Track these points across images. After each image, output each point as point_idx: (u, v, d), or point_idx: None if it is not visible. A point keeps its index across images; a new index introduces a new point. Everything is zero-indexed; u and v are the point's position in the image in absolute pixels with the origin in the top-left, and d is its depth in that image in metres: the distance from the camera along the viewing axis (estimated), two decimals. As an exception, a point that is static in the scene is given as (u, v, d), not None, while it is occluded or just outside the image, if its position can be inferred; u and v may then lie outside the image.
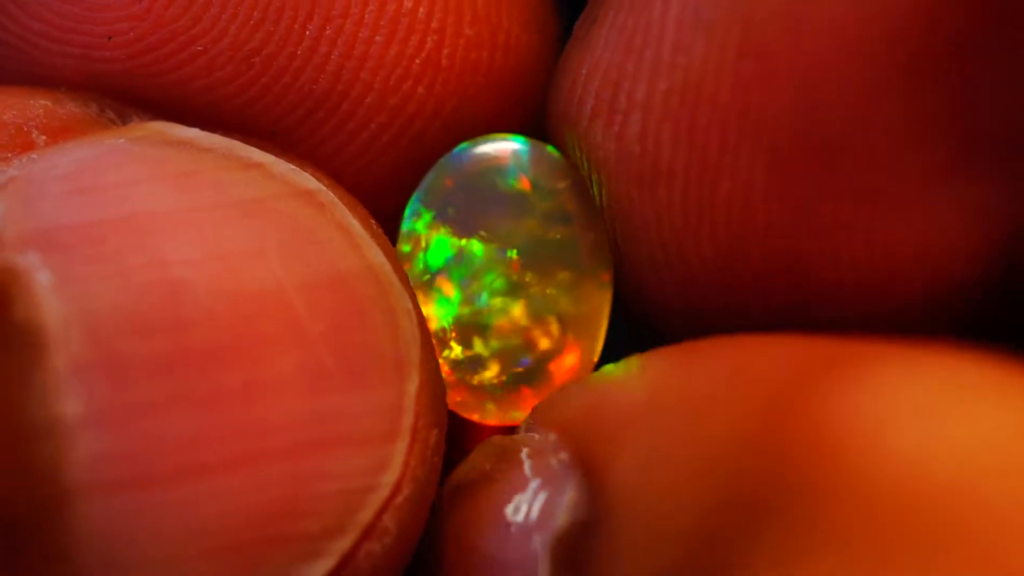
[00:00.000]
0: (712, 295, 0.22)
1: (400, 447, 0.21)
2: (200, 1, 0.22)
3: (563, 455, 0.21)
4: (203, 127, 0.22)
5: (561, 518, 0.21)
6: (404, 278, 0.22)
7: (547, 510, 0.21)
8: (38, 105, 0.22)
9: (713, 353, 0.21)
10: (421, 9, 0.23)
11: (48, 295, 0.19)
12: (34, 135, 0.21)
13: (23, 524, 0.19)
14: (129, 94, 0.23)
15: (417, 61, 0.23)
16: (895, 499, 0.17)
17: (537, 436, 0.22)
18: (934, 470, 0.17)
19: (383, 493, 0.20)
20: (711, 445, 0.19)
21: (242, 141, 0.22)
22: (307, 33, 0.23)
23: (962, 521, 0.17)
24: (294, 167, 0.21)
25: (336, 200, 0.21)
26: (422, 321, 0.22)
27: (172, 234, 0.20)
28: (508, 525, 0.21)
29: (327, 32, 0.23)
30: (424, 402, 0.21)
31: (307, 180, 0.21)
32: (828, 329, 0.21)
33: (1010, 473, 0.17)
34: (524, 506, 0.21)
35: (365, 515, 0.20)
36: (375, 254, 0.21)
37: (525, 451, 0.22)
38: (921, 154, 0.21)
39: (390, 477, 0.20)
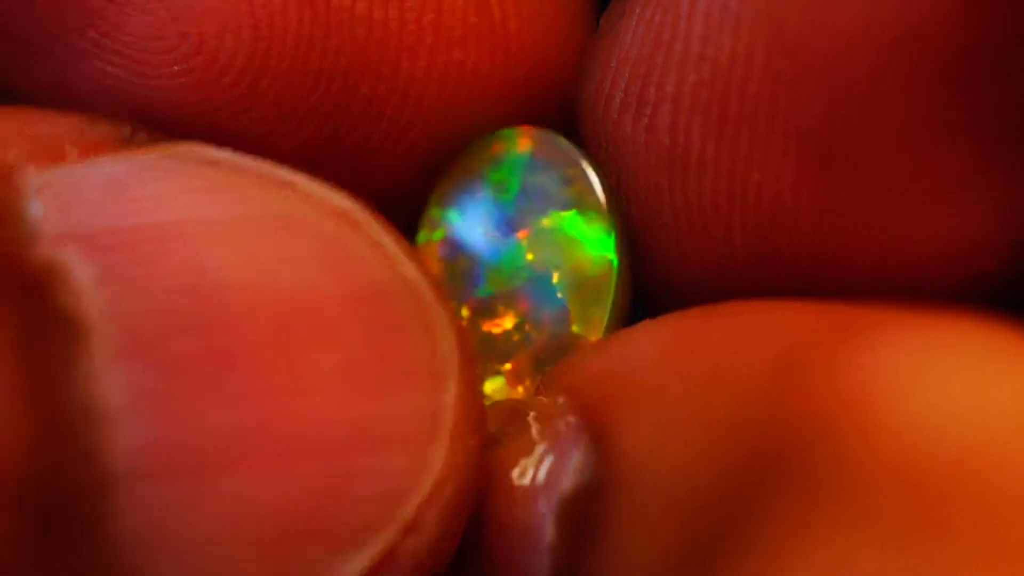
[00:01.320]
0: (740, 289, 0.22)
1: (439, 450, 0.21)
2: (252, 68, 0.23)
3: (571, 418, 0.21)
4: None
5: (567, 481, 0.21)
6: (441, 293, 0.22)
7: (553, 473, 0.21)
8: (71, 122, 0.22)
9: (726, 316, 0.21)
10: (470, 60, 0.24)
11: (87, 287, 0.20)
12: (67, 148, 0.22)
13: (63, 511, 0.19)
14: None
15: (469, 108, 0.24)
16: (910, 465, 0.17)
17: (545, 399, 0.22)
18: (950, 435, 0.17)
19: (423, 492, 0.21)
20: (723, 407, 0.19)
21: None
22: (361, 92, 0.23)
23: (972, 490, 0.17)
24: (327, 188, 0.22)
25: (370, 219, 0.22)
26: (460, 334, 0.22)
27: (210, 242, 0.20)
28: (513, 488, 0.21)
29: (380, 90, 0.23)
30: (462, 411, 0.21)
31: (340, 199, 0.22)
32: None
33: (1016, 440, 0.17)
34: (530, 469, 0.21)
35: (405, 511, 0.21)
36: (410, 270, 0.21)
37: (532, 414, 0.22)
38: (947, 152, 0.21)
39: (429, 477, 0.21)
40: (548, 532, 0.21)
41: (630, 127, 0.23)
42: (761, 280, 0.22)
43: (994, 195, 0.21)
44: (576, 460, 0.21)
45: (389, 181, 0.24)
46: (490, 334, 0.24)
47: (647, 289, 0.24)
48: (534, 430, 0.22)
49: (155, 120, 0.23)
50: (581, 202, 0.24)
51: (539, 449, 0.21)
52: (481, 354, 0.24)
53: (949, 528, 0.17)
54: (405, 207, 0.24)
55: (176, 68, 0.23)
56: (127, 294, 0.20)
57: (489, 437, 0.22)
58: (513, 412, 0.22)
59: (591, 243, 0.24)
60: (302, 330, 0.20)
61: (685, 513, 0.19)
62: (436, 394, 0.21)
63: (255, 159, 0.22)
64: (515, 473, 0.21)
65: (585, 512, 0.21)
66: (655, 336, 0.22)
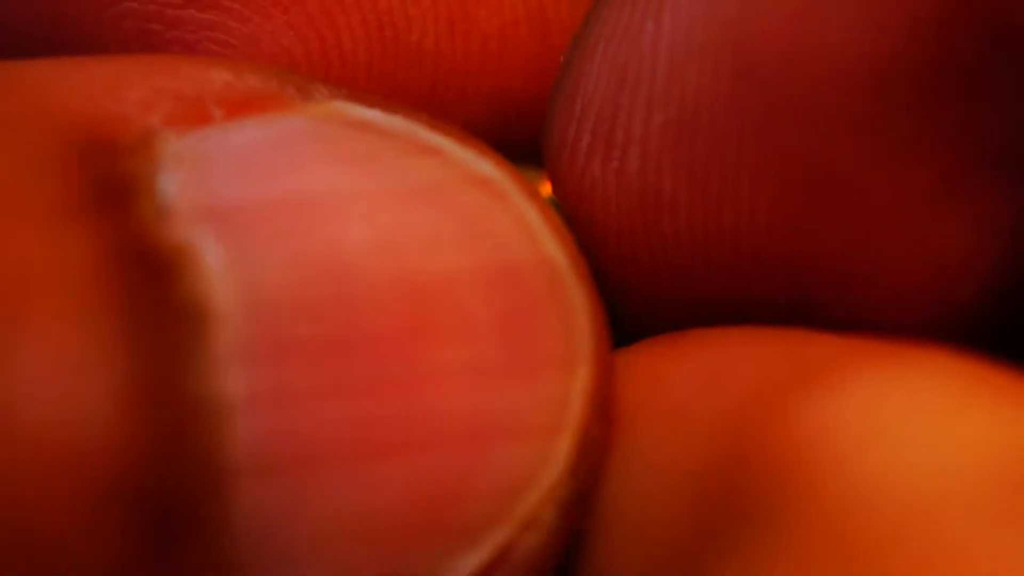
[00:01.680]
0: (721, 320, 0.22)
1: (563, 441, 0.20)
2: None
3: None
4: None
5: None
6: (581, 271, 0.21)
7: None
8: (217, 78, 0.21)
9: (692, 355, 0.21)
10: None
11: (218, 271, 0.19)
12: (212, 108, 0.21)
13: (180, 503, 0.19)
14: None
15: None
16: (859, 520, 0.17)
17: None
18: (895, 491, 0.18)
19: (543, 487, 0.20)
20: (687, 458, 0.19)
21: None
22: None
23: (911, 544, 0.17)
24: (473, 154, 0.21)
25: (515, 189, 0.21)
26: (598, 316, 0.21)
27: (347, 217, 0.20)
28: None
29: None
30: (590, 397, 0.21)
31: (486, 167, 0.21)
32: None
33: (963, 497, 0.17)
34: None
35: (524, 508, 0.20)
36: (550, 245, 0.21)
37: None
38: (923, 177, 0.21)
39: (552, 471, 0.20)
40: None
41: (599, 171, 0.22)
42: (743, 315, 0.22)
43: (974, 216, 0.21)
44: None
45: None
46: None
47: (631, 332, 0.24)
48: None
49: None
50: None
51: None
52: None
53: None
54: None
55: None
56: (257, 274, 0.19)
57: None
58: None
59: None
60: (434, 317, 0.20)
61: (651, 559, 0.19)
62: (566, 382, 0.21)
63: (404, 120, 0.21)
64: None
65: (564, 559, 0.21)
66: (625, 377, 0.21)
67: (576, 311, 0.21)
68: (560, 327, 0.21)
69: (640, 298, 0.23)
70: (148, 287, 0.19)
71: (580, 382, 0.21)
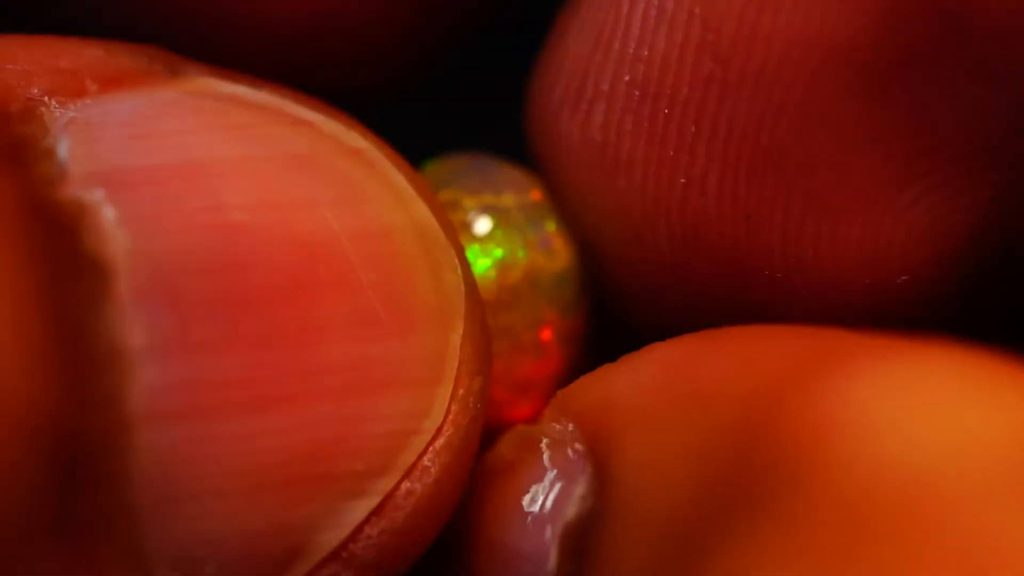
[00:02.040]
0: (670, 285, 0.23)
1: (443, 391, 0.21)
2: None
3: (579, 445, 0.22)
4: None
5: (571, 509, 0.21)
6: (451, 232, 0.22)
7: (560, 501, 0.22)
8: (90, 54, 0.22)
9: (721, 345, 0.22)
10: None
11: (114, 229, 0.20)
12: (87, 82, 0.21)
13: (82, 450, 0.19)
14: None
15: None
16: (864, 503, 0.18)
17: (557, 426, 0.22)
18: (910, 471, 0.18)
19: (426, 436, 0.21)
20: (709, 439, 0.20)
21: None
22: None
23: (918, 531, 0.17)
24: (342, 126, 0.22)
25: (383, 158, 0.22)
26: (468, 274, 0.22)
27: (230, 180, 0.21)
28: (524, 515, 0.22)
29: None
30: (468, 351, 0.22)
31: (355, 139, 0.22)
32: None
33: (982, 477, 0.18)
34: (540, 496, 0.22)
35: (408, 456, 0.21)
36: (420, 209, 0.22)
37: (545, 441, 0.22)
38: (870, 162, 0.21)
39: (433, 420, 0.21)
40: (552, 559, 0.21)
41: (566, 123, 0.23)
42: (693, 286, 0.23)
43: (916, 208, 0.22)
44: (580, 487, 0.21)
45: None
46: None
47: (602, 288, 0.24)
48: (546, 457, 0.22)
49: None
50: None
51: (549, 476, 0.22)
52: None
53: (906, 561, 0.17)
54: None
55: None
56: (150, 233, 0.20)
57: (505, 463, 0.23)
58: (526, 438, 0.23)
59: None
60: (315, 273, 0.21)
61: (672, 539, 0.20)
62: (443, 334, 0.21)
63: (273, 94, 0.22)
64: (526, 500, 0.22)
65: (585, 538, 0.21)
66: (655, 364, 0.22)
67: (448, 269, 0.22)
68: (434, 284, 0.21)
69: (601, 256, 0.24)
70: (51, 244, 0.19)
71: (457, 336, 0.21)
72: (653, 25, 0.22)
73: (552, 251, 0.24)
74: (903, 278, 0.22)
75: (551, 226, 0.24)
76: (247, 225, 0.20)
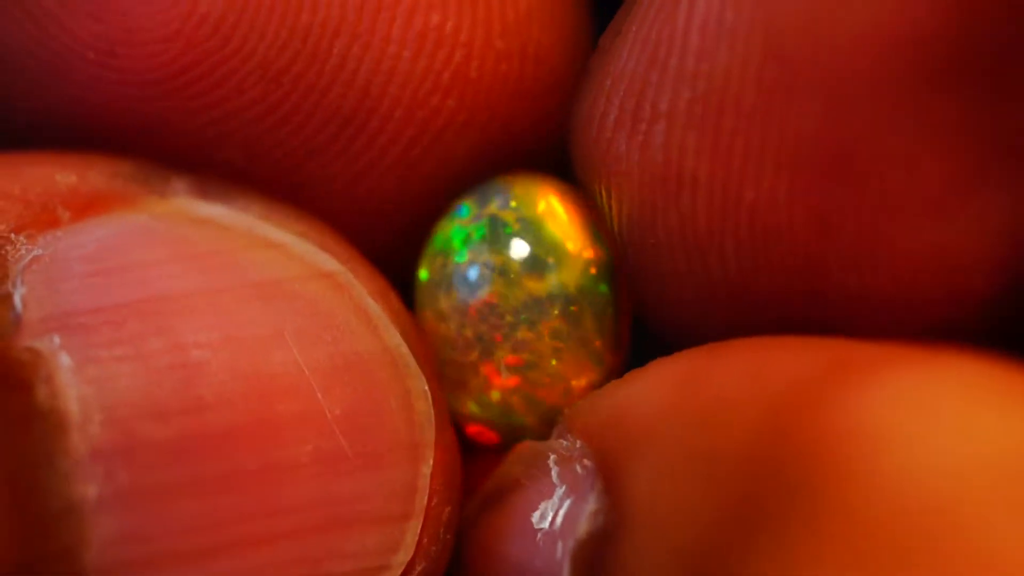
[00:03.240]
0: (731, 306, 0.22)
1: (413, 526, 0.21)
2: (228, 21, 0.22)
3: (587, 462, 0.21)
4: (239, 151, 0.23)
5: (583, 526, 0.21)
6: (423, 356, 0.22)
7: (571, 517, 0.21)
8: (63, 182, 0.22)
9: (730, 358, 0.21)
10: (449, 23, 0.23)
11: (68, 378, 0.20)
12: (59, 211, 0.21)
13: None
14: (165, 130, 0.23)
15: (446, 75, 0.23)
16: (883, 517, 0.18)
17: (565, 442, 0.22)
18: (925, 490, 0.18)
19: (396, 572, 0.21)
20: (723, 454, 0.19)
21: (281, 160, 0.22)
22: (334, 50, 0.22)
23: (940, 545, 0.17)
24: (314, 248, 0.22)
25: (355, 281, 0.22)
26: (438, 400, 0.22)
27: (191, 316, 0.21)
28: (535, 532, 0.22)
29: (354, 49, 0.22)
30: (438, 480, 0.22)
31: (327, 261, 0.22)
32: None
33: (1003, 493, 0.18)
34: (550, 513, 0.22)
35: None
36: (392, 336, 0.21)
37: (553, 457, 0.22)
38: (943, 164, 0.21)
39: (403, 556, 0.21)
40: None
41: (624, 145, 0.22)
42: (755, 301, 0.22)
43: (990, 209, 0.21)
44: (591, 504, 0.21)
45: (400, 197, 0.24)
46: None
47: (644, 310, 0.24)
48: (554, 473, 0.22)
49: (131, 85, 0.23)
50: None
51: (558, 492, 0.22)
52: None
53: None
54: (416, 223, 0.24)
55: (157, 19, 0.22)
56: (106, 378, 0.20)
57: (514, 480, 0.22)
58: (534, 454, 0.22)
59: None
60: (278, 409, 0.20)
61: (687, 556, 0.19)
62: (412, 466, 0.21)
63: (245, 217, 0.22)
64: (535, 517, 0.22)
65: (599, 555, 0.21)
66: (663, 379, 0.21)
67: (418, 399, 0.21)
68: (403, 415, 0.21)
69: (655, 278, 0.23)
70: (6, 398, 0.20)
71: (427, 467, 0.21)
72: (713, 38, 0.21)
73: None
74: (979, 280, 0.21)
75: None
76: (207, 364, 0.20)
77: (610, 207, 0.23)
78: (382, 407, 0.21)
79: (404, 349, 0.22)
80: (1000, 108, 0.20)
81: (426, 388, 0.22)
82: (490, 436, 0.24)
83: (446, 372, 0.23)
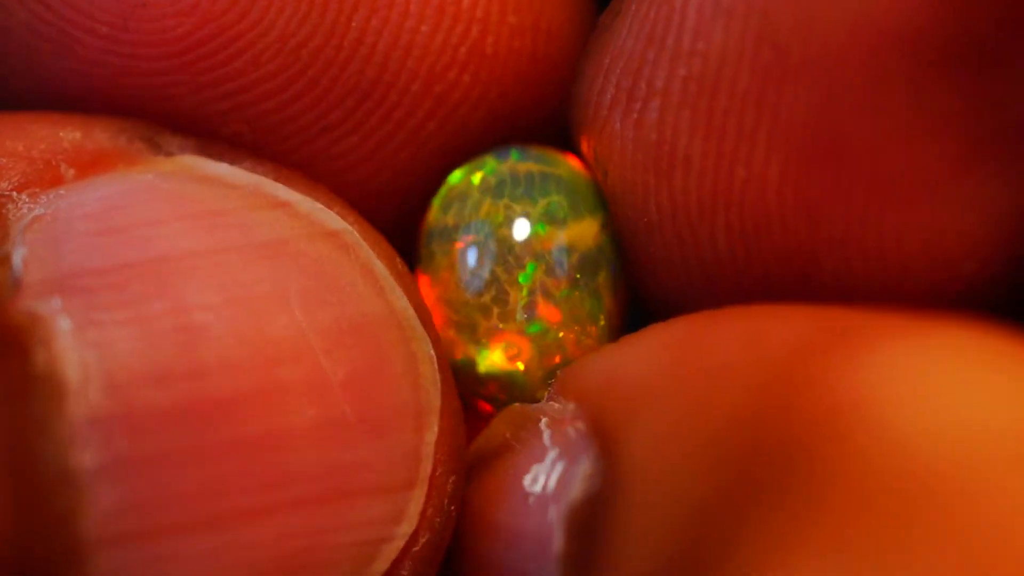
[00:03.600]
0: (722, 287, 0.22)
1: (418, 495, 0.21)
2: None
3: (580, 425, 0.21)
4: (247, 125, 0.23)
5: (576, 489, 0.21)
6: (428, 321, 0.22)
7: (563, 481, 0.21)
8: (67, 138, 0.22)
9: (728, 323, 0.21)
10: None
11: (68, 342, 0.20)
12: (63, 168, 0.21)
13: (40, 573, 0.19)
14: (175, 102, 0.23)
15: (462, 49, 0.23)
16: (889, 482, 0.17)
17: (557, 405, 0.22)
18: (936, 451, 0.17)
19: (399, 543, 0.21)
20: (721, 418, 0.19)
21: (293, 135, 0.22)
22: (352, 24, 0.22)
23: (942, 509, 0.17)
24: (320, 206, 0.21)
25: (361, 241, 0.21)
26: (444, 366, 0.22)
27: (194, 277, 0.20)
28: (526, 495, 0.21)
29: (372, 23, 0.22)
30: (443, 449, 0.21)
31: (333, 220, 0.21)
32: None
33: (1005, 459, 0.17)
34: (542, 476, 0.21)
35: (381, 564, 0.21)
36: (398, 298, 0.21)
37: (544, 420, 0.22)
38: (934, 148, 0.21)
39: (407, 527, 0.21)
40: (557, 540, 0.21)
41: (619, 123, 0.22)
42: (746, 282, 0.22)
43: (982, 194, 0.21)
44: (585, 467, 0.21)
45: (413, 171, 0.24)
46: None
47: (639, 290, 0.24)
48: (546, 436, 0.22)
49: (143, 58, 0.22)
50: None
51: (551, 455, 0.21)
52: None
53: (928, 546, 0.17)
54: (428, 197, 0.24)
55: None
56: (106, 341, 0.20)
57: (503, 443, 0.22)
58: (526, 418, 0.22)
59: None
60: (281, 375, 0.20)
61: (684, 521, 0.19)
62: (417, 434, 0.21)
63: (251, 175, 0.22)
64: (527, 480, 0.21)
65: (592, 519, 0.21)
66: (659, 343, 0.21)
67: (424, 363, 0.21)
68: (409, 379, 0.21)
69: (649, 259, 0.23)
70: (4, 362, 0.19)
71: (432, 435, 0.21)
72: (710, 18, 0.21)
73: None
74: (970, 266, 0.21)
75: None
76: (210, 326, 0.20)
77: (606, 184, 0.23)
78: (387, 371, 0.21)
79: (410, 312, 0.21)
80: (994, 93, 0.21)
81: (432, 352, 0.21)
82: (499, 395, 0.24)
83: (457, 317, 0.23)
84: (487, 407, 0.24)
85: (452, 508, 0.22)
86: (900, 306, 0.21)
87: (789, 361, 0.19)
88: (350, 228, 0.21)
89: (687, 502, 0.19)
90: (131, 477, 0.19)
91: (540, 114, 0.24)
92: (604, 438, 0.21)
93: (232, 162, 0.22)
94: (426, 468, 0.21)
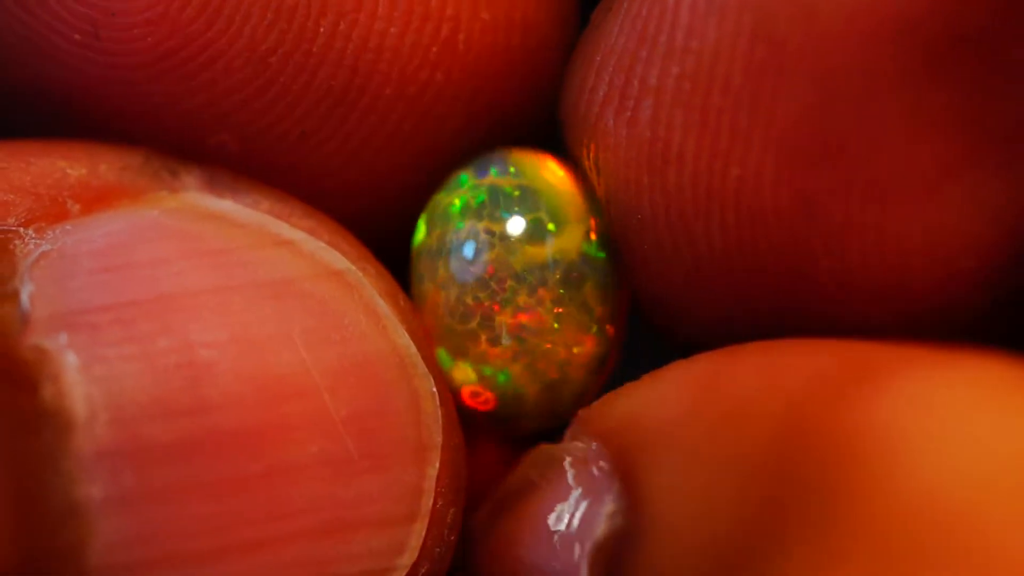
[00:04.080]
0: (718, 286, 0.22)
1: (419, 528, 0.21)
2: (213, 3, 0.22)
3: (603, 463, 0.21)
4: (231, 134, 0.22)
5: (601, 527, 0.21)
6: (430, 357, 0.22)
7: (588, 519, 0.21)
8: (73, 174, 0.22)
9: (749, 360, 0.21)
10: None
11: (75, 377, 0.20)
12: (68, 204, 0.21)
13: None
14: (157, 113, 0.23)
15: (434, 49, 0.23)
16: (908, 518, 0.18)
17: (580, 444, 0.22)
18: (949, 489, 0.18)
19: (400, 573, 0.21)
20: (743, 454, 0.19)
21: (274, 143, 0.22)
22: (321, 30, 0.22)
23: (966, 545, 0.17)
24: (324, 244, 0.22)
25: (364, 280, 0.22)
26: (445, 401, 0.22)
27: (200, 315, 0.20)
28: (551, 534, 0.22)
29: (341, 27, 0.22)
30: (444, 483, 0.22)
31: (336, 259, 0.22)
32: (832, 326, 0.22)
33: (1019, 497, 0.18)
34: (566, 515, 0.22)
35: None
36: (400, 335, 0.21)
37: (568, 460, 0.22)
38: (932, 148, 0.21)
39: (408, 558, 0.21)
40: None
41: (612, 121, 0.22)
42: (741, 280, 0.22)
43: (980, 193, 0.21)
44: (608, 505, 0.21)
45: (395, 172, 0.24)
46: None
47: (633, 290, 0.24)
48: (570, 475, 0.22)
49: (119, 67, 0.22)
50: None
51: (575, 494, 0.22)
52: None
53: None
54: (411, 195, 0.24)
55: (139, 2, 0.22)
56: (112, 377, 0.20)
57: (528, 482, 0.22)
58: (549, 457, 0.22)
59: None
60: (285, 411, 0.20)
61: (710, 558, 0.19)
62: (419, 468, 0.21)
63: (256, 213, 0.22)
64: (551, 519, 0.22)
65: (617, 558, 0.21)
66: (681, 381, 0.21)
67: (426, 399, 0.21)
68: (411, 416, 0.21)
69: (642, 254, 0.23)
70: (13, 396, 0.20)
71: (434, 469, 0.21)
72: (703, 14, 0.21)
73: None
74: (969, 262, 0.21)
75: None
76: (214, 364, 0.20)
77: (598, 182, 0.23)
78: (389, 408, 0.21)
79: (412, 349, 0.22)
80: (991, 92, 0.20)
81: (434, 389, 0.22)
82: (487, 397, 0.24)
83: (446, 341, 0.23)
84: (481, 395, 0.24)
85: (452, 538, 0.22)
86: (918, 339, 0.21)
87: (810, 398, 0.19)
88: (353, 268, 0.22)
89: (712, 539, 0.19)
90: (137, 510, 0.20)
91: (523, 110, 0.24)
92: (627, 477, 0.21)
93: (235, 195, 0.22)
94: (427, 502, 0.21)
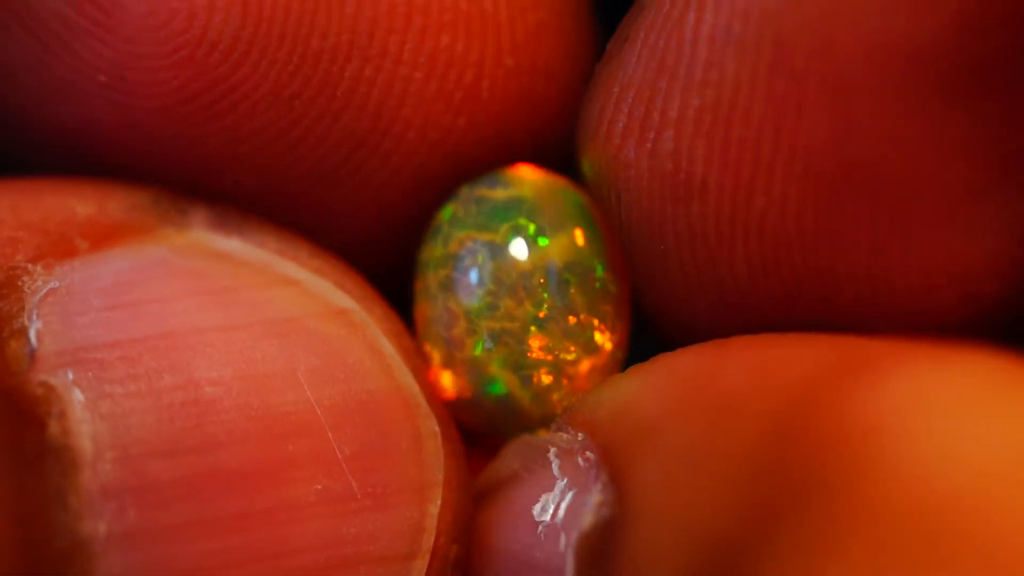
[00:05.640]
0: (743, 315, 0.22)
1: (420, 565, 0.21)
2: (239, 48, 0.22)
3: (590, 455, 0.21)
4: (250, 174, 0.22)
5: (587, 518, 0.21)
6: (432, 397, 0.22)
7: (573, 510, 0.21)
8: (82, 212, 0.22)
9: (739, 352, 0.21)
10: (459, 43, 0.23)
11: (81, 414, 0.20)
12: (77, 241, 0.22)
13: None
14: (176, 153, 0.23)
15: (458, 95, 0.23)
16: (906, 509, 0.18)
17: (565, 435, 0.22)
18: (946, 481, 0.18)
19: None
20: (735, 447, 0.20)
21: (288, 185, 0.22)
22: (346, 74, 0.22)
23: (965, 536, 0.17)
24: (330, 284, 0.22)
25: (368, 319, 0.22)
26: (448, 439, 0.22)
27: (205, 352, 0.21)
28: (536, 525, 0.22)
29: (366, 72, 0.22)
30: (446, 520, 0.22)
31: (341, 299, 0.22)
32: None
33: (1014, 487, 0.18)
34: (551, 505, 0.22)
35: None
36: (404, 375, 0.22)
37: (553, 450, 0.22)
38: (955, 172, 0.21)
39: None
40: (568, 569, 0.21)
41: (633, 153, 0.22)
42: (765, 307, 0.22)
43: (1004, 216, 0.21)
44: (595, 496, 0.21)
45: (416, 213, 0.24)
46: None
47: (653, 320, 0.24)
48: (555, 466, 0.22)
49: (142, 110, 0.22)
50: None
51: (560, 485, 0.22)
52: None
53: (948, 572, 0.17)
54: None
55: (166, 46, 0.22)
56: (118, 414, 0.20)
57: (511, 473, 0.22)
58: (534, 448, 0.22)
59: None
60: (289, 449, 0.21)
61: (698, 550, 0.19)
62: (420, 506, 0.21)
63: (262, 253, 0.22)
64: (536, 509, 0.22)
65: (603, 548, 0.21)
66: (669, 373, 0.21)
67: (428, 438, 0.22)
68: (413, 454, 0.21)
69: (665, 289, 0.23)
70: (19, 432, 0.20)
71: (434, 507, 0.21)
72: (720, 47, 0.21)
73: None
74: (993, 286, 0.21)
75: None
76: (219, 402, 0.20)
77: (619, 213, 0.23)
78: (392, 447, 0.21)
79: (416, 388, 0.22)
80: (1012, 115, 0.20)
81: (436, 428, 0.22)
82: (478, 405, 0.24)
83: (433, 348, 0.23)
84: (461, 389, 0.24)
85: (455, 574, 0.22)
86: (915, 333, 0.21)
87: (803, 391, 0.19)
88: (358, 307, 0.22)
89: (700, 531, 0.19)
90: (142, 546, 0.20)
91: (542, 149, 0.24)
92: (614, 468, 0.21)
93: (242, 233, 0.22)
94: (428, 539, 0.22)
